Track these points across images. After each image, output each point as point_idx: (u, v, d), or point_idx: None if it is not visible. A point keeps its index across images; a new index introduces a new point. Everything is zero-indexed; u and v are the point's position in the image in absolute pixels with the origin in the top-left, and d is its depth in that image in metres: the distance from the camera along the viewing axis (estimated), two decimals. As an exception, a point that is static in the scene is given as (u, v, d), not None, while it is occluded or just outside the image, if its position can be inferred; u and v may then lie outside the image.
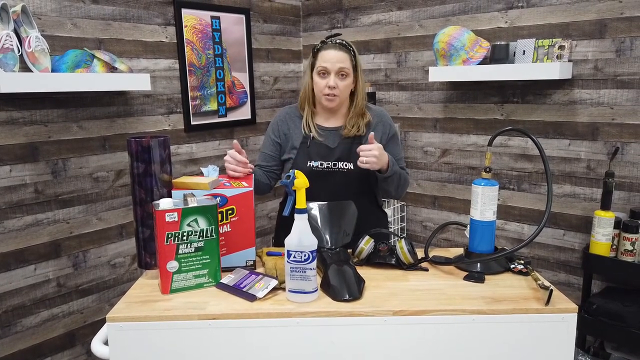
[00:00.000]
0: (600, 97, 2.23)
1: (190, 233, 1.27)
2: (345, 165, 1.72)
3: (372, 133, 1.61)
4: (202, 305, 1.22)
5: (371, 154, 1.56)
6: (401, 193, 1.78)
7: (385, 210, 1.96)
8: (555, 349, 1.20)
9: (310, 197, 1.67)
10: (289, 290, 1.23)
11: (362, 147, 1.59)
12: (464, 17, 2.56)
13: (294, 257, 1.19)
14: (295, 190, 1.22)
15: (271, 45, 3.02)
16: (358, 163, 1.59)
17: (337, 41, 1.70)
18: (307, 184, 1.27)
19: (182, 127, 2.58)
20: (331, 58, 1.66)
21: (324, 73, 1.68)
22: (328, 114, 1.79)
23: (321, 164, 1.72)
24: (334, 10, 3.03)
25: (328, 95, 1.69)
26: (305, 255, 1.19)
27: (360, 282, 1.29)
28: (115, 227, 2.34)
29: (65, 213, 2.15)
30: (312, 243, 1.20)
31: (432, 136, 2.77)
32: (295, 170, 1.26)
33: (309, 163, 1.73)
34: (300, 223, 1.21)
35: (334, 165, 1.72)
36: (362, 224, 1.65)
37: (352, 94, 1.76)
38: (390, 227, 2.82)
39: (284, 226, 1.85)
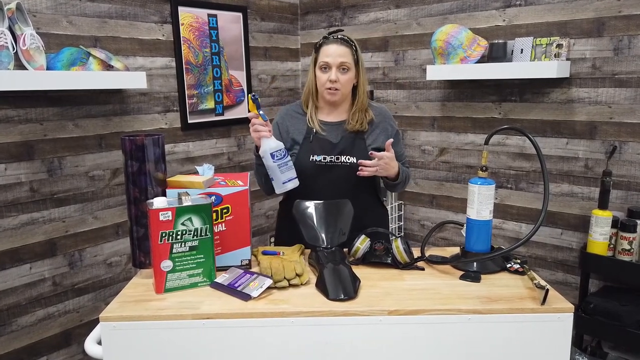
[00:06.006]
0: (598, 95, 2.22)
1: (184, 232, 1.26)
2: (348, 159, 1.72)
3: (390, 140, 1.64)
4: (196, 305, 1.21)
5: (382, 162, 1.62)
6: (402, 190, 1.85)
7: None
8: (551, 349, 1.19)
9: (313, 191, 1.69)
10: (283, 182, 1.53)
11: (380, 154, 1.62)
12: (461, 16, 2.55)
13: (277, 156, 1.52)
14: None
15: (269, 43, 3.01)
16: (359, 174, 1.63)
17: (339, 36, 1.71)
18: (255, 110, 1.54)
19: (179, 126, 2.57)
20: (332, 52, 1.68)
21: (326, 67, 1.70)
22: (331, 109, 1.79)
23: (324, 158, 1.73)
24: (331, 8, 3.02)
25: (330, 89, 1.70)
26: (283, 152, 1.54)
27: (355, 281, 1.28)
28: (111, 226, 2.33)
29: (60, 212, 2.14)
30: (280, 143, 1.55)
31: (430, 135, 2.76)
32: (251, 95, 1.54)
33: (311, 157, 1.73)
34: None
35: (337, 159, 1.73)
36: (363, 219, 1.67)
37: (355, 89, 1.77)
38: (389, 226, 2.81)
39: (284, 226, 1.85)
